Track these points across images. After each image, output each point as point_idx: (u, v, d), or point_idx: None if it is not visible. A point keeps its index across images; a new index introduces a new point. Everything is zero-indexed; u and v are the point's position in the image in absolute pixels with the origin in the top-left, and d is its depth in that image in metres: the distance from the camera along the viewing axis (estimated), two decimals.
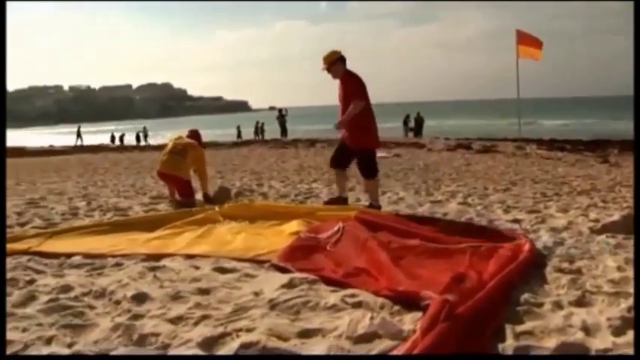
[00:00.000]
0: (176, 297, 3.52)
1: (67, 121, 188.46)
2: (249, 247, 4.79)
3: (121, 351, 2.72)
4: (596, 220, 5.83)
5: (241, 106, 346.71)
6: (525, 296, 3.43)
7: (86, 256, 4.61)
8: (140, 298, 3.49)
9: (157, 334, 2.89)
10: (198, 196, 8.07)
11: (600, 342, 2.79)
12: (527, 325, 3.00)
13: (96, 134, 58.82)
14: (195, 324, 3.07)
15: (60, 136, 71.03)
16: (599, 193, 8.20)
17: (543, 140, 22.12)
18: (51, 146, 36.11)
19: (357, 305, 3.30)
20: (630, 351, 2.69)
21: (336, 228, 5.06)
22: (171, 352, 2.72)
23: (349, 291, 3.57)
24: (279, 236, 5.18)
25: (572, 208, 6.88)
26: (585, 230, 5.42)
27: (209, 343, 2.78)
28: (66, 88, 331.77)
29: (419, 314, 3.08)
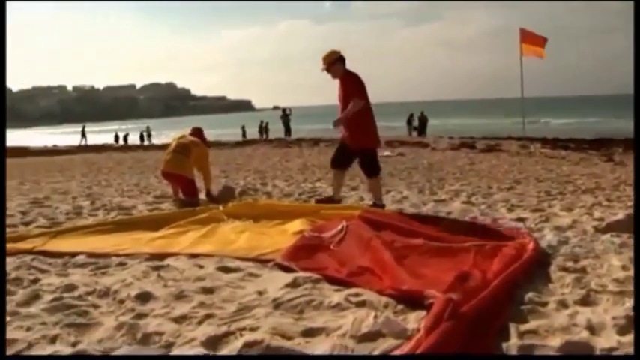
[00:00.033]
0: (180, 296, 3.52)
1: (71, 121, 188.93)
2: (253, 246, 4.79)
3: (125, 350, 2.72)
4: (601, 219, 5.81)
5: (245, 106, 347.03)
6: (530, 295, 3.42)
7: (90, 255, 4.62)
8: (144, 297, 3.49)
9: (160, 333, 2.89)
10: (202, 195, 8.08)
11: (605, 341, 2.78)
12: (532, 324, 2.99)
13: (100, 134, 58.94)
14: (199, 323, 3.07)
15: (64, 136, 71.18)
16: (604, 192, 8.17)
17: (547, 139, 22.07)
18: (55, 146, 36.20)
19: (361, 304, 3.30)
20: None
21: (339, 227, 5.05)
22: (175, 350, 2.72)
23: (353, 290, 3.56)
24: (283, 235, 5.18)
25: (576, 207, 6.86)
26: (590, 229, 5.41)
27: (213, 341, 2.78)
28: (70, 88, 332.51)
29: (423, 313, 3.07)
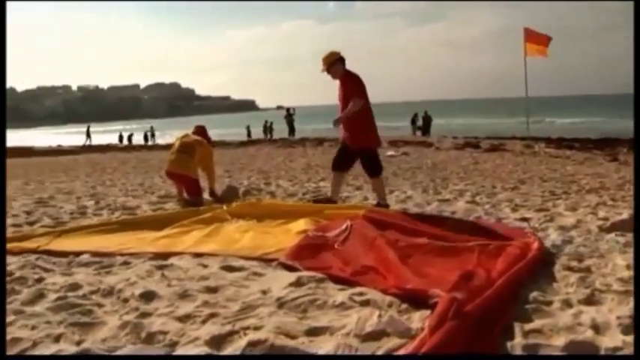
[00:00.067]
0: (184, 295, 3.52)
1: (75, 121, 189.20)
2: (257, 245, 4.79)
3: (129, 349, 2.72)
4: (606, 219, 5.79)
5: (249, 106, 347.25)
6: (534, 294, 3.42)
7: (94, 254, 4.63)
8: (148, 296, 3.50)
9: (164, 332, 2.89)
10: (206, 195, 8.09)
11: (610, 340, 2.77)
12: (536, 324, 2.98)
13: (104, 134, 58.99)
14: (203, 322, 3.07)
15: (68, 135, 71.32)
16: (608, 192, 8.15)
17: (552, 139, 22.05)
18: (59, 146, 36.26)
19: (365, 303, 3.29)
20: None
21: (343, 226, 5.05)
22: (179, 349, 2.72)
23: (357, 289, 3.56)
24: (287, 235, 5.18)
25: (581, 206, 6.85)
26: (594, 229, 5.39)
27: (217, 341, 2.78)
28: (74, 88, 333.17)
29: (427, 312, 3.07)
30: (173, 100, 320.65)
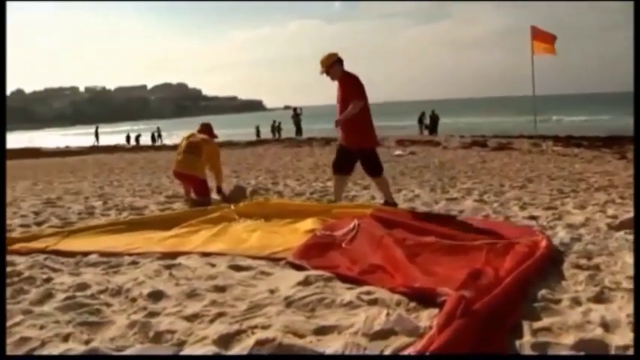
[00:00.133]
0: (192, 294, 3.52)
1: (83, 122, 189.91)
2: (265, 245, 4.79)
3: (137, 348, 2.72)
4: (614, 217, 5.77)
5: (256, 106, 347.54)
6: (543, 292, 3.40)
7: (102, 254, 4.64)
8: (156, 295, 3.50)
9: (172, 332, 2.89)
10: (214, 194, 8.10)
11: (620, 338, 2.75)
12: (545, 322, 2.97)
13: (112, 135, 59.17)
14: (211, 321, 3.07)
15: (76, 137, 71.55)
16: (617, 190, 8.11)
17: (560, 137, 21.98)
18: (67, 147, 36.40)
19: (373, 302, 3.29)
20: None
21: (351, 225, 5.05)
22: (187, 349, 2.72)
23: (365, 288, 3.56)
24: (295, 234, 5.18)
25: (589, 204, 6.81)
26: (603, 227, 5.36)
27: (225, 340, 2.77)
28: (82, 89, 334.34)
29: (435, 311, 3.06)
30: (180, 101, 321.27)
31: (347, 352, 2.62)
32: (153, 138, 46.16)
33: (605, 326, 2.90)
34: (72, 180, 12.29)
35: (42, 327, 2.99)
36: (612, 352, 2.65)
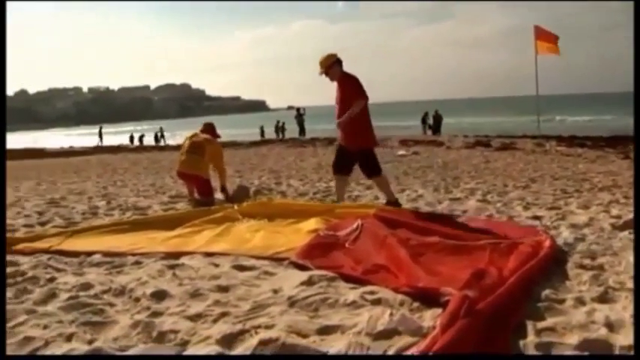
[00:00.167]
0: (195, 294, 3.52)
1: (87, 122, 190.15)
2: (268, 245, 4.79)
3: (141, 348, 2.72)
4: (618, 217, 5.75)
5: (259, 106, 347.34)
6: (546, 292, 3.40)
7: (106, 254, 4.65)
8: (159, 295, 3.50)
9: (176, 331, 2.89)
10: (218, 195, 8.10)
11: (624, 338, 2.74)
12: (549, 322, 2.96)
13: (115, 135, 59.25)
14: (215, 321, 3.07)
15: (80, 137, 71.66)
16: (621, 189, 8.09)
17: (563, 137, 21.97)
18: (71, 147, 36.47)
19: (377, 302, 3.29)
20: None
21: (354, 225, 5.04)
22: (191, 349, 2.72)
23: (368, 288, 3.55)
24: (298, 234, 5.18)
25: (593, 204, 6.80)
26: (607, 226, 5.35)
27: (228, 340, 2.77)
28: (85, 89, 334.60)
29: (439, 310, 3.06)
30: (184, 101, 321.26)
31: (350, 352, 2.62)
32: (156, 138, 46.19)
33: (610, 326, 2.89)
34: (76, 180, 12.32)
35: (45, 327, 2.99)
36: (616, 352, 2.65)
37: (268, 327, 2.91)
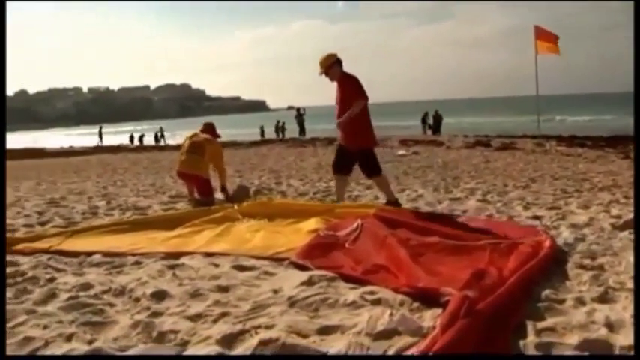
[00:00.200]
0: (195, 294, 3.52)
1: (87, 122, 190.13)
2: (268, 245, 4.79)
3: (141, 348, 2.72)
4: (618, 217, 5.75)
5: (259, 106, 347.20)
6: (546, 292, 3.40)
7: (106, 254, 4.65)
8: (159, 295, 3.50)
9: (176, 331, 2.89)
10: (218, 194, 8.10)
11: (624, 338, 2.74)
12: (549, 322, 2.96)
13: (115, 135, 59.24)
14: (215, 321, 3.07)
15: (80, 137, 71.66)
16: (621, 190, 8.08)
17: (563, 137, 21.97)
18: (71, 147, 36.48)
19: (377, 302, 3.29)
20: None
21: (354, 225, 5.04)
22: (191, 349, 2.72)
23: (368, 288, 3.55)
24: (298, 234, 5.18)
25: (593, 204, 6.80)
26: (607, 226, 5.35)
27: (228, 340, 2.77)
28: (85, 89, 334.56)
29: (439, 310, 3.06)
30: (184, 101, 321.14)
31: (350, 352, 2.62)
32: (156, 138, 46.20)
33: (610, 326, 2.89)
34: (76, 180, 12.32)
35: (45, 327, 2.99)
36: (616, 352, 2.65)
37: (268, 327, 2.91)
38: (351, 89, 6.68)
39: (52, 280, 3.96)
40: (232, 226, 5.65)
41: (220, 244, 4.92)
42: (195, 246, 4.89)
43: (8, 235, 5.46)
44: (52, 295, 3.56)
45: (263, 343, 2.67)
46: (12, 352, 2.71)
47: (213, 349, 2.67)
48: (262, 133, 42.10)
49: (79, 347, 2.71)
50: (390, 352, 2.63)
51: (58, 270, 4.23)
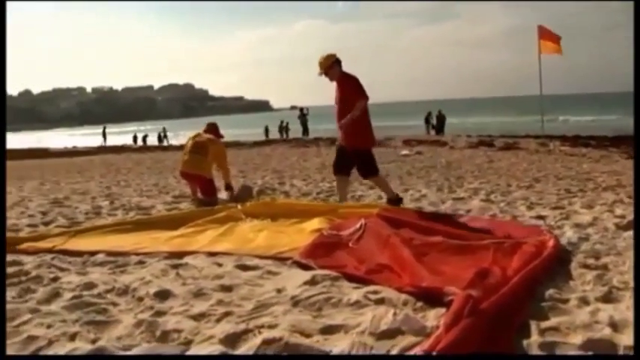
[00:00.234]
0: (198, 294, 3.52)
1: (91, 122, 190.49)
2: (272, 244, 4.79)
3: (144, 347, 2.72)
4: (622, 216, 5.74)
5: (263, 106, 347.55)
6: (550, 292, 3.39)
7: (109, 254, 4.65)
8: (163, 295, 3.51)
9: (179, 331, 2.89)
10: (221, 194, 8.11)
11: (628, 338, 2.73)
12: (553, 321, 2.95)
13: (119, 135, 59.33)
14: (218, 320, 3.07)
15: (84, 137, 71.77)
16: (625, 189, 8.06)
17: (567, 137, 21.94)
18: (74, 147, 36.54)
19: (380, 301, 3.28)
20: None
21: (358, 225, 5.04)
22: (194, 348, 2.72)
23: (372, 287, 3.55)
24: (301, 234, 5.18)
25: (597, 204, 6.78)
26: (611, 226, 5.33)
27: (231, 339, 2.77)
28: (89, 89, 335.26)
29: (442, 310, 3.05)
30: (187, 101, 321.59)
31: (354, 352, 2.61)
32: (159, 138, 46.27)
33: (614, 326, 2.88)
34: (79, 180, 12.33)
35: (49, 326, 3.00)
36: (620, 351, 2.64)
37: (271, 326, 2.91)
38: (351, 89, 6.68)
39: (55, 279, 3.96)
40: (235, 225, 5.65)
41: (223, 244, 4.92)
42: (199, 246, 4.89)
43: (12, 234, 5.47)
44: (55, 295, 3.57)
45: (266, 342, 2.67)
46: (16, 351, 2.71)
47: (216, 349, 2.67)
48: (267, 132, 42.13)
49: (83, 346, 2.72)
50: (394, 352, 2.62)
51: (62, 269, 4.24)
